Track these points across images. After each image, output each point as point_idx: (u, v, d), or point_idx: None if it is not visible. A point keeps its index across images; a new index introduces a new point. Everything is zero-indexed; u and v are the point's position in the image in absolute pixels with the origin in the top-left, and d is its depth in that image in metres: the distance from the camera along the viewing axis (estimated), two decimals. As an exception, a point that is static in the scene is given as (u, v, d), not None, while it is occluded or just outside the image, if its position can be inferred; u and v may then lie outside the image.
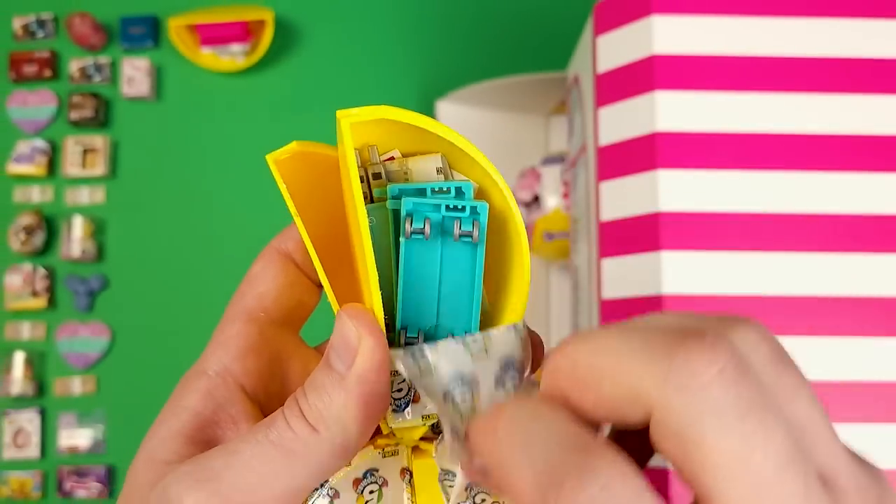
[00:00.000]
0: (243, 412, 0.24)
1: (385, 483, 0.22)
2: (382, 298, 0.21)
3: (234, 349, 0.25)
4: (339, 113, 0.20)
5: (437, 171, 0.22)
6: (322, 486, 0.22)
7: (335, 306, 0.22)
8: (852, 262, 0.42)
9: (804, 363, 0.45)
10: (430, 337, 0.22)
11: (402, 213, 0.21)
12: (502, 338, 0.22)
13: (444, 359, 0.21)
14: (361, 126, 0.21)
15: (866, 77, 0.43)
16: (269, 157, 0.22)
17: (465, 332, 0.22)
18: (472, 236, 0.21)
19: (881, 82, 0.43)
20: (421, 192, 0.21)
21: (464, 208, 0.21)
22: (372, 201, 0.22)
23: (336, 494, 0.22)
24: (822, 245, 0.42)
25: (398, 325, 0.22)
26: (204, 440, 0.23)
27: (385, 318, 0.22)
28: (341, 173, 0.22)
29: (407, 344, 0.22)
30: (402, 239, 0.21)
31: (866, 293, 0.41)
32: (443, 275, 0.22)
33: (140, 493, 0.22)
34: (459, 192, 0.21)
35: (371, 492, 0.22)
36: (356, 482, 0.22)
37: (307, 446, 0.20)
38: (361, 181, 0.22)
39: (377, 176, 0.22)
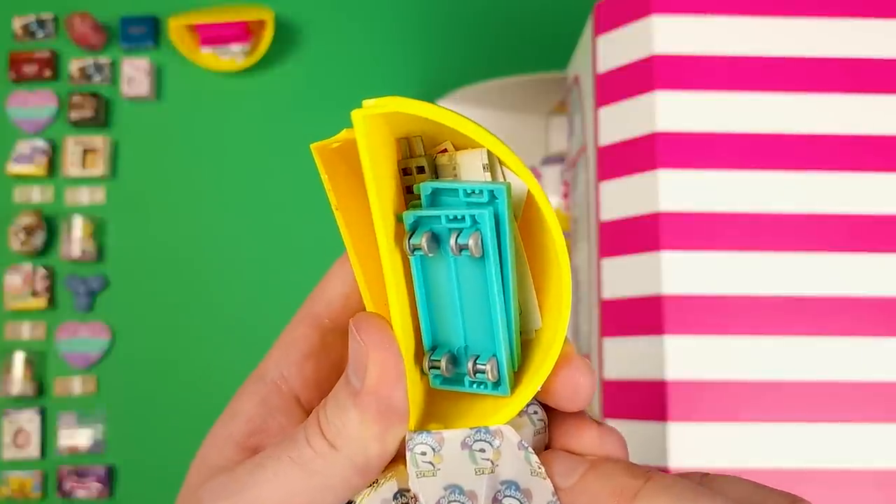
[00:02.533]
0: (295, 422, 0.24)
1: None
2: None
3: (295, 355, 0.24)
4: (354, 111, 0.19)
5: (484, 167, 0.20)
6: None
7: (369, 308, 0.21)
8: (852, 262, 0.42)
9: (804, 363, 0.45)
10: (458, 360, 0.21)
11: (406, 226, 0.20)
12: (512, 456, 0.20)
13: (445, 468, 0.20)
14: (404, 117, 0.19)
15: (867, 77, 0.43)
16: (314, 148, 0.21)
17: (492, 356, 0.20)
18: (469, 249, 0.19)
19: (883, 82, 0.43)
20: (454, 193, 0.20)
21: (464, 218, 0.19)
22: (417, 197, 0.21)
23: None
24: (822, 245, 0.42)
25: (426, 345, 0.21)
26: (253, 447, 0.23)
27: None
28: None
29: (431, 367, 0.21)
30: (409, 256, 0.20)
31: (866, 293, 0.41)
32: (461, 291, 0.20)
33: (189, 495, 0.22)
34: (493, 196, 0.19)
35: None
36: (385, 503, 0.21)
37: (326, 464, 0.20)
38: (406, 174, 0.20)
39: (421, 170, 0.20)
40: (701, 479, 0.21)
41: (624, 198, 0.44)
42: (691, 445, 0.40)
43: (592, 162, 0.48)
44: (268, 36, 0.71)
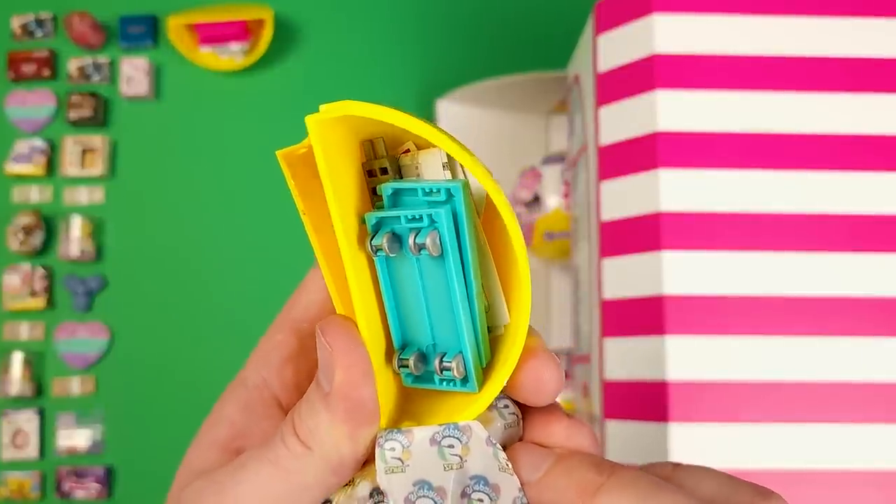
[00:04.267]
0: (277, 425, 0.24)
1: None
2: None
3: (275, 360, 0.25)
4: (308, 116, 0.19)
5: (444, 165, 0.20)
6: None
7: (339, 311, 0.21)
8: (852, 262, 0.42)
9: (804, 364, 0.45)
10: (426, 358, 0.21)
11: (368, 227, 0.20)
12: (481, 451, 0.20)
13: (414, 465, 0.20)
14: (365, 120, 0.20)
15: (868, 76, 0.43)
16: (280, 154, 0.21)
17: (458, 353, 0.21)
18: (427, 248, 0.19)
19: (883, 82, 0.43)
20: (414, 193, 0.20)
21: (422, 217, 0.19)
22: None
23: None
24: (822, 245, 0.42)
25: (396, 344, 0.21)
26: (236, 450, 0.23)
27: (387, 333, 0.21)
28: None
29: (401, 366, 0.21)
30: (373, 257, 0.20)
31: (866, 293, 0.41)
32: (426, 290, 0.21)
33: (174, 501, 0.23)
34: (450, 194, 0.20)
35: None
36: (361, 502, 0.21)
37: (301, 464, 0.20)
38: (371, 176, 0.21)
39: (384, 171, 0.21)
40: (672, 470, 0.21)
41: (625, 197, 0.44)
42: (692, 446, 0.40)
43: (593, 161, 0.48)
44: (267, 35, 0.71)
